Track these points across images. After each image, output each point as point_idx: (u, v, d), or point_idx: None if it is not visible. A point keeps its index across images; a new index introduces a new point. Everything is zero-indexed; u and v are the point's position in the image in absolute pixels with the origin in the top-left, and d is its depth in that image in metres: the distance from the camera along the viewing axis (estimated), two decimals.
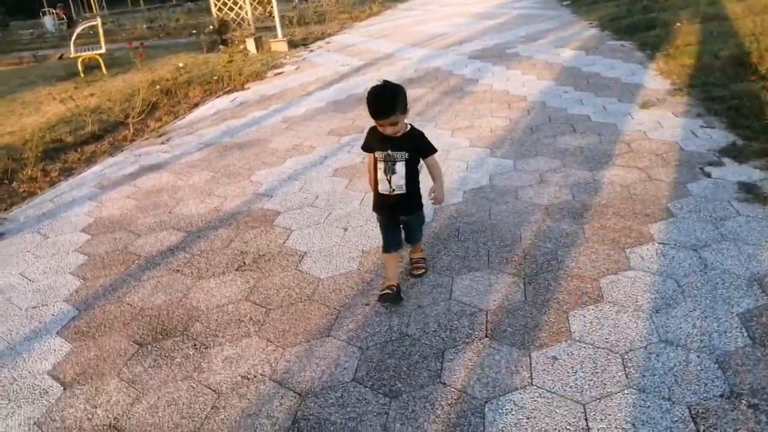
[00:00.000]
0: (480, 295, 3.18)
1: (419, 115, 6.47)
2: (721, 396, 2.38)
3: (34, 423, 2.60)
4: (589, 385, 2.50)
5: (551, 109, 6.21)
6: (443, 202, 3.41)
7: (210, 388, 2.71)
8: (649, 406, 2.36)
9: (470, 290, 3.24)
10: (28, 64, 14.92)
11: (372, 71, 9.21)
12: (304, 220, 4.28)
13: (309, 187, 4.87)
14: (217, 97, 8.63)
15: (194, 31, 16.27)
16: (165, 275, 3.73)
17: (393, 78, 8.32)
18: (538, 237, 3.72)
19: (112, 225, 4.55)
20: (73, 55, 11.75)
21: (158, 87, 8.84)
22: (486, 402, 2.47)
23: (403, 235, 3.30)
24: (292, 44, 12.70)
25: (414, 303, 3.17)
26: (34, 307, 3.52)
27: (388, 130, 2.96)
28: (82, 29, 12.90)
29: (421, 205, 3.24)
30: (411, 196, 3.13)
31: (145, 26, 20.47)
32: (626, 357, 2.63)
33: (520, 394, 2.49)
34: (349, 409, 2.50)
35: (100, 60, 11.63)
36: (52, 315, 3.42)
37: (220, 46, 12.96)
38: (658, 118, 5.60)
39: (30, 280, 3.86)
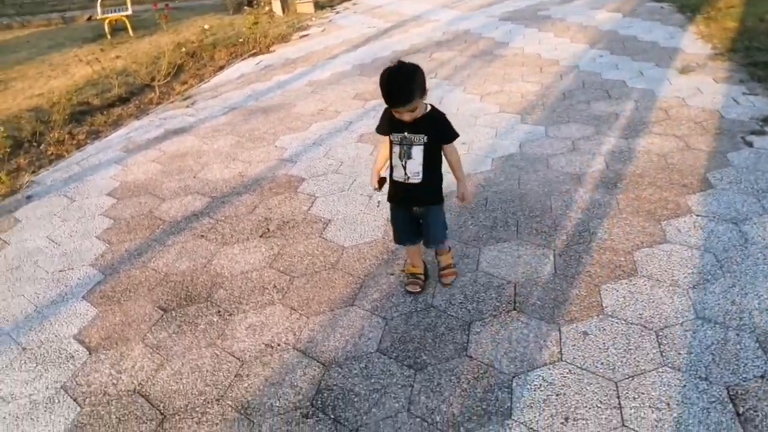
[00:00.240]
0: (508, 267, 3.10)
1: (447, 79, 6.30)
2: (762, 377, 2.28)
3: (61, 387, 2.62)
4: (621, 362, 2.42)
5: (585, 74, 5.99)
6: (472, 202, 3.15)
7: (234, 356, 2.69)
8: (684, 386, 2.27)
9: (498, 261, 3.15)
10: (57, 26, 14.92)
11: (399, 33, 8.99)
12: (329, 186, 4.21)
13: (334, 153, 4.79)
14: (243, 59, 8.53)
15: None
16: (189, 240, 3.71)
17: (421, 41, 8.15)
18: (570, 207, 3.60)
19: (137, 189, 4.54)
20: (100, 16, 11.69)
21: (184, 49, 8.75)
22: (513, 377, 2.41)
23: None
24: (318, 5, 12.46)
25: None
26: (61, 271, 3.54)
27: (406, 117, 2.61)
28: None
29: (440, 198, 2.83)
30: (428, 186, 2.75)
31: None
32: (661, 334, 2.54)
33: (549, 369, 2.42)
34: (373, 380, 2.46)
35: (127, 21, 11.56)
36: (78, 279, 3.44)
37: (246, 8, 12.76)
38: (698, 83, 5.36)
39: (57, 243, 3.87)
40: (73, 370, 2.71)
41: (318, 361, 2.60)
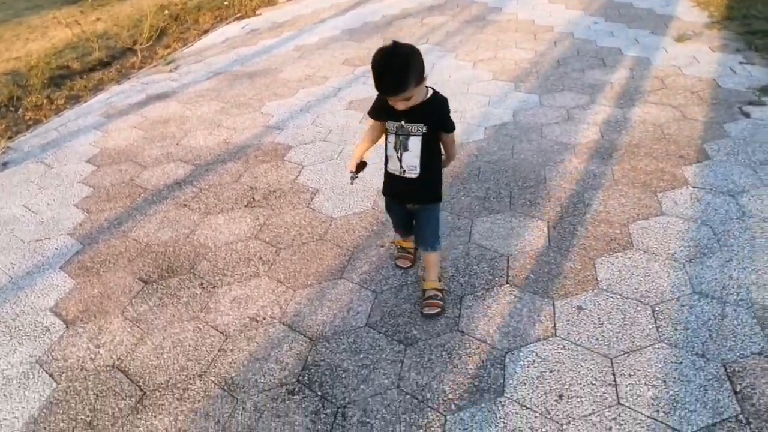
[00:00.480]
0: (501, 239, 3.01)
1: (438, 45, 6.13)
2: (760, 354, 2.22)
3: (36, 361, 2.52)
4: (617, 337, 2.36)
5: (580, 41, 5.84)
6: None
7: (217, 330, 2.60)
8: (681, 363, 2.21)
9: (491, 233, 3.06)
10: None
11: None
12: (317, 155, 4.08)
13: (322, 120, 4.64)
14: (228, 23, 8.27)
15: None
16: (172, 210, 3.59)
17: (412, 5, 7.92)
18: (564, 178, 3.50)
19: (117, 156, 4.38)
20: None
21: (167, 12, 8.46)
22: (507, 353, 2.34)
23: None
24: None
25: None
26: (37, 240, 3.41)
27: (400, 106, 2.27)
28: None
29: (438, 197, 2.54)
30: (426, 181, 2.44)
31: None
32: (657, 309, 2.47)
33: (543, 345, 2.36)
34: (362, 356, 2.39)
35: None
36: (56, 249, 3.31)
37: None
38: (694, 52, 5.24)
39: (33, 212, 3.73)
40: (49, 344, 2.61)
41: (305, 336, 2.52)
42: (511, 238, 3.02)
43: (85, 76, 6.41)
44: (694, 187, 3.28)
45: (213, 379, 2.34)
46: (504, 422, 2.06)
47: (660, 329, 2.37)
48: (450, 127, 2.41)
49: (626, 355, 2.27)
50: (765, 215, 3.00)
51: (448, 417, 2.10)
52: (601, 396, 2.12)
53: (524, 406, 2.11)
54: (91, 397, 2.32)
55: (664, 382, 2.14)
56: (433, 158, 2.44)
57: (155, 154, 4.34)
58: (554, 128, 4.12)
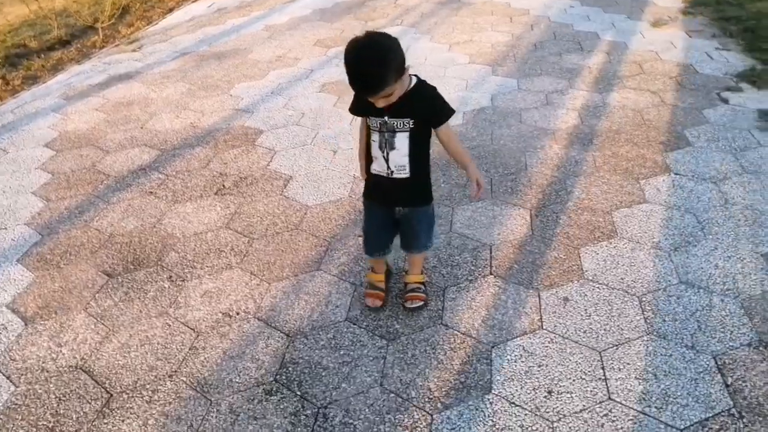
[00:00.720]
0: (483, 228, 2.92)
1: (413, 26, 5.98)
2: (749, 345, 2.19)
3: None
4: (605, 330, 2.29)
5: (556, 25, 5.76)
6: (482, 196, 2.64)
7: (188, 326, 2.45)
8: (671, 355, 2.16)
9: (472, 222, 2.97)
10: None
11: None
12: (289, 140, 3.92)
13: (294, 103, 4.48)
14: (194, 1, 7.97)
15: None
16: (137, 198, 3.40)
17: None
18: (545, 165, 3.43)
19: (78, 140, 4.15)
20: None
21: None
22: (493, 347, 2.25)
23: (397, 239, 2.46)
24: None
25: None
26: None
27: (380, 103, 2.03)
28: None
29: (429, 198, 2.31)
30: (416, 182, 2.22)
31: None
32: (644, 300, 2.42)
33: (530, 338, 2.28)
34: (342, 352, 2.28)
35: None
36: (12, 240, 3.11)
37: None
38: (671, 37, 5.22)
39: None
40: (7, 344, 2.43)
41: (281, 332, 2.39)
42: (493, 226, 2.93)
43: (42, 56, 6.10)
44: (676, 174, 3.24)
45: (184, 379, 2.21)
46: (493, 420, 1.98)
47: (648, 321, 2.32)
48: (445, 113, 2.13)
49: (615, 348, 2.21)
50: (748, 202, 2.97)
51: (434, 416, 2.01)
52: (591, 391, 2.05)
53: (513, 403, 2.03)
54: (53, 400, 2.16)
55: (655, 375, 2.09)
56: (423, 155, 2.21)
57: (118, 139, 4.12)
58: (533, 113, 4.04)
